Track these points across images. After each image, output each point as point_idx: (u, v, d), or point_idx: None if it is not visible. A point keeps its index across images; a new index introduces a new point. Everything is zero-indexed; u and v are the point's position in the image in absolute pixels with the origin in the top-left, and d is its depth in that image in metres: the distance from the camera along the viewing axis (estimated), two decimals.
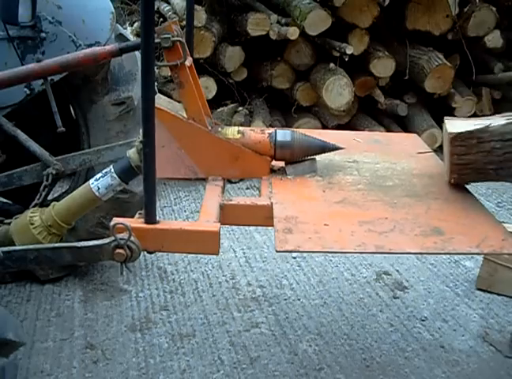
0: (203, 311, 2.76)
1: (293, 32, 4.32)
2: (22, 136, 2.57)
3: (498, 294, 2.91)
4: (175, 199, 4.11)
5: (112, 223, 1.66)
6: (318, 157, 2.09)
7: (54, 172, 2.51)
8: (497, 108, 4.93)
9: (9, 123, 2.56)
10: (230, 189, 4.19)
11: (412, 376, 2.36)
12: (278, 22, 4.42)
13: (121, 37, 2.77)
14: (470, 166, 1.83)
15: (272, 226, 1.70)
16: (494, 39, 4.76)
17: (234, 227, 3.53)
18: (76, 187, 2.22)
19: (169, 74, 3.21)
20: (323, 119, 4.78)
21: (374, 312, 2.79)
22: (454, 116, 4.45)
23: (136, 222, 1.70)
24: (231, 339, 2.56)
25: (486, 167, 1.81)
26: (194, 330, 2.61)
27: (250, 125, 4.31)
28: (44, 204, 2.34)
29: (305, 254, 3.24)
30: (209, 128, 2.00)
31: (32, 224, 1.95)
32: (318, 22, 4.26)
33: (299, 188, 1.96)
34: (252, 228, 3.56)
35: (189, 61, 1.97)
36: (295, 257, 3.27)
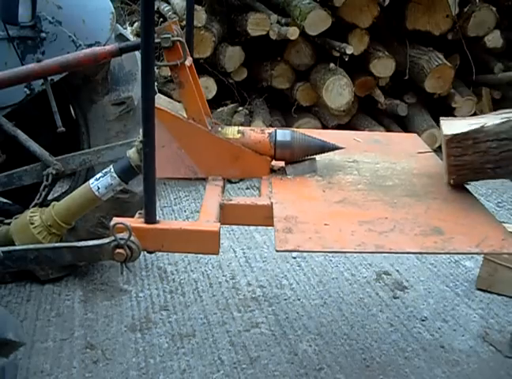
0: (203, 311, 2.76)
1: (293, 32, 4.32)
2: (22, 136, 2.57)
3: (498, 294, 2.91)
4: (175, 199, 4.11)
5: (112, 223, 1.66)
6: (317, 157, 2.09)
7: (54, 172, 2.51)
8: (497, 108, 4.84)
9: (9, 123, 2.56)
10: (230, 189, 4.19)
11: (412, 376, 2.36)
12: (278, 22, 4.42)
13: (121, 37, 2.77)
14: (467, 166, 1.84)
15: (272, 226, 1.70)
16: (494, 39, 4.76)
17: (234, 227, 3.53)
18: (76, 187, 2.22)
19: (169, 74, 3.21)
20: (323, 119, 4.78)
21: (374, 312, 2.79)
22: (454, 116, 4.45)
23: (136, 222, 1.70)
24: (231, 339, 2.56)
25: (483, 167, 1.81)
26: (194, 330, 2.62)
27: (250, 125, 4.31)
28: (44, 204, 2.34)
29: (305, 254, 3.24)
30: (209, 128, 2.00)
31: (32, 224, 1.95)
32: (318, 22, 4.26)
33: (299, 188, 1.96)
34: (252, 228, 3.56)
35: (189, 61, 1.97)
36: (295, 257, 3.27)
